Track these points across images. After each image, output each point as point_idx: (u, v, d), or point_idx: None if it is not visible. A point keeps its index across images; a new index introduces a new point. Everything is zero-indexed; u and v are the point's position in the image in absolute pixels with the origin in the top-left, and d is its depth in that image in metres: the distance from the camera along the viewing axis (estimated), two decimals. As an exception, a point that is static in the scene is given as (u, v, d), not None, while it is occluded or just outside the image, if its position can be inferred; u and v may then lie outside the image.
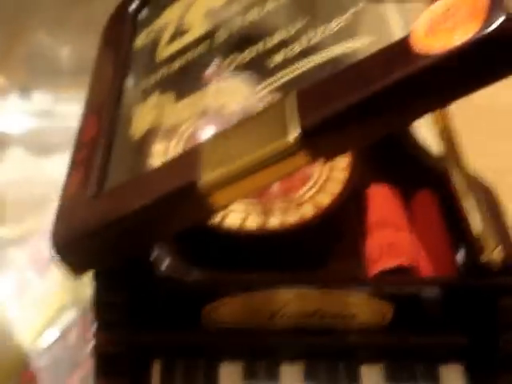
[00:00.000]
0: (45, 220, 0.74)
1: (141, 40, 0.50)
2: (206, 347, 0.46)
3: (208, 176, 0.36)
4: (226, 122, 0.46)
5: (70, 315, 0.64)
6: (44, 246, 0.71)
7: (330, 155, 0.36)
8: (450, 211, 0.49)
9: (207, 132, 0.47)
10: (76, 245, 0.40)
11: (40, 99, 0.87)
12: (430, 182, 0.51)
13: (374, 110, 0.34)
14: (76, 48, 0.91)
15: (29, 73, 0.91)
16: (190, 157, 0.38)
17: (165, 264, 0.45)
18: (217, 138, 0.38)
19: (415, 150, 0.51)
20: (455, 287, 0.45)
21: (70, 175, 0.43)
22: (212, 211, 0.38)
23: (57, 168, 0.81)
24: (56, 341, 0.62)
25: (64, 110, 0.86)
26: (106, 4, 0.91)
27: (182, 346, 0.46)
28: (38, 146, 0.82)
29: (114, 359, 0.44)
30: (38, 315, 0.65)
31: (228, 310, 0.45)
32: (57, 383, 0.58)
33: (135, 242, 0.40)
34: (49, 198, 0.76)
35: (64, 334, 0.62)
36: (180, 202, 0.37)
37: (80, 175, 0.43)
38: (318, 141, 0.35)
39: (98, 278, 0.43)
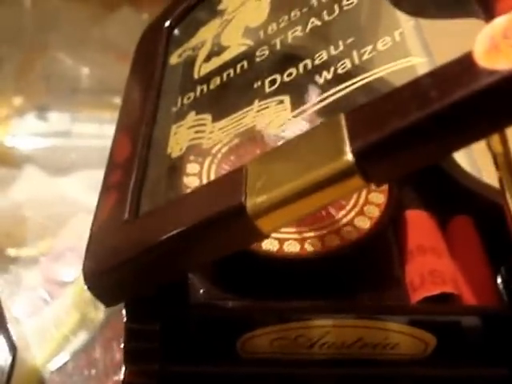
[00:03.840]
0: (59, 240, 0.73)
1: (175, 58, 0.47)
2: (240, 378, 0.43)
3: (255, 199, 0.33)
4: (265, 143, 0.43)
5: (80, 338, 0.62)
6: (57, 267, 0.70)
7: (383, 179, 0.33)
8: (491, 237, 0.46)
9: (244, 154, 0.44)
10: (109, 274, 0.37)
11: (57, 119, 0.86)
12: (467, 206, 0.48)
13: (433, 131, 0.31)
14: (95, 68, 0.89)
15: (47, 92, 0.89)
16: (234, 179, 0.35)
17: (199, 291, 0.42)
18: (262, 159, 0.35)
19: (454, 173, 0.48)
20: (500, 316, 0.42)
21: (102, 199, 0.40)
22: (258, 237, 0.35)
23: (73, 188, 0.79)
24: (66, 364, 0.59)
25: (81, 130, 0.84)
26: (126, 24, 0.90)
27: (215, 378, 0.42)
28: (55, 165, 0.81)
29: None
30: (50, 337, 0.63)
31: (265, 339, 0.41)
32: None
33: (172, 270, 0.37)
34: (64, 218, 0.75)
35: (74, 358, 0.60)
36: (223, 227, 0.34)
37: (113, 199, 0.40)
38: (372, 164, 0.32)
39: (129, 305, 0.40)
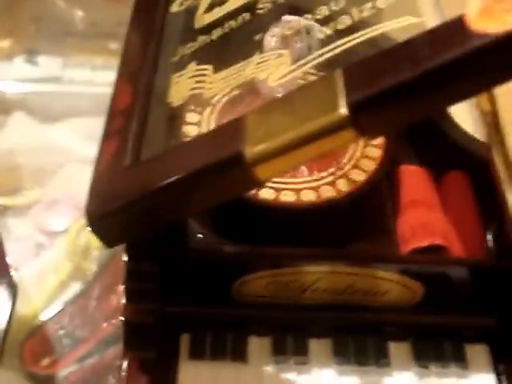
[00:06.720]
0: (50, 189, 0.76)
1: (176, 7, 0.50)
2: (235, 321, 0.48)
3: (254, 148, 0.37)
4: (264, 95, 0.47)
5: (74, 287, 0.66)
6: (48, 216, 0.73)
7: (376, 132, 0.38)
8: (482, 193, 0.51)
9: (243, 104, 0.49)
10: (111, 217, 0.41)
11: (48, 63, 0.87)
12: (461, 163, 0.52)
13: (424, 89, 0.35)
14: (89, 10, 0.90)
15: (37, 35, 0.90)
16: (234, 128, 0.39)
17: (197, 236, 0.47)
18: (261, 110, 0.39)
19: (449, 131, 0.53)
20: (486, 268, 0.48)
21: (104, 145, 0.44)
22: (254, 184, 0.39)
23: (64, 136, 0.82)
24: (62, 312, 0.64)
25: (73, 76, 0.86)
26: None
27: (211, 320, 0.47)
28: (44, 112, 0.83)
29: (143, 330, 0.46)
30: (43, 285, 0.67)
31: (259, 284, 0.46)
32: (58, 357, 0.60)
33: (172, 214, 0.41)
34: (55, 167, 0.78)
35: (70, 305, 0.64)
36: (222, 174, 0.38)
37: (115, 145, 0.44)
38: (365, 117, 0.36)
39: (130, 247, 0.44)
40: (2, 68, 0.86)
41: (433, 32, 0.36)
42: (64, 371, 0.59)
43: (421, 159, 0.53)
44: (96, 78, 0.87)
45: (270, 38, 0.45)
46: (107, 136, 0.45)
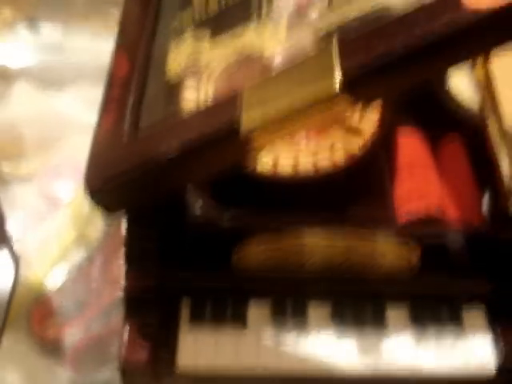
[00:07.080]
0: (54, 157, 0.77)
1: (173, -24, 0.51)
2: (235, 286, 0.49)
3: (250, 116, 0.38)
4: (260, 62, 0.48)
5: (78, 255, 0.67)
6: (53, 183, 0.74)
7: (369, 100, 0.39)
8: (479, 158, 0.51)
9: (240, 71, 0.49)
10: (110, 186, 0.42)
11: (49, 32, 0.88)
12: (458, 128, 0.53)
13: (415, 58, 0.36)
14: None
15: (38, 3, 0.91)
16: (231, 98, 0.40)
17: (197, 204, 0.48)
18: (259, 78, 0.40)
19: (445, 96, 0.53)
20: (481, 234, 0.48)
21: (102, 116, 0.45)
22: (251, 152, 0.40)
23: (67, 104, 0.83)
24: (67, 280, 0.65)
25: (74, 44, 0.86)
26: None
27: (211, 285, 0.48)
28: (46, 81, 0.83)
29: (144, 297, 0.47)
30: (48, 253, 0.68)
31: (257, 253, 0.48)
32: (64, 323, 0.61)
33: (171, 183, 0.42)
34: (59, 134, 0.79)
35: (73, 274, 0.65)
36: (220, 143, 0.39)
37: (113, 115, 0.45)
38: (358, 86, 0.37)
39: (130, 216, 0.45)
40: (4, 37, 0.87)
41: (427, 7, 0.37)
42: (70, 338, 0.60)
43: (418, 123, 0.54)
44: (98, 45, 0.86)
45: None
46: (105, 106, 0.46)
